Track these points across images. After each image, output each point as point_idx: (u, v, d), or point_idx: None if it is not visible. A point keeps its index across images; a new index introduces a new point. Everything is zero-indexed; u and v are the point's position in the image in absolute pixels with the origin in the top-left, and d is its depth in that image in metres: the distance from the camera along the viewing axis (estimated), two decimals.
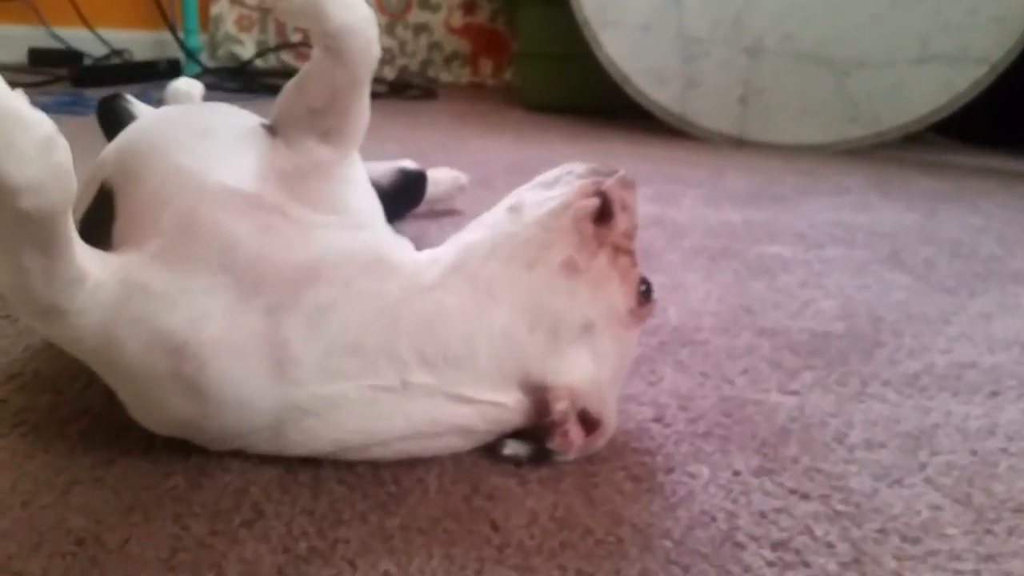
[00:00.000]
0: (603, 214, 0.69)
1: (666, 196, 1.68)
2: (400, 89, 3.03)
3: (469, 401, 0.65)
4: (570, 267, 0.67)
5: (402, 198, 1.31)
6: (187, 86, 1.40)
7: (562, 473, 0.67)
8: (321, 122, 0.69)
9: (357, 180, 0.72)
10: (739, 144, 2.39)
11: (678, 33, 2.41)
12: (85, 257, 0.59)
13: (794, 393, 0.84)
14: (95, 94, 2.53)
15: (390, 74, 3.43)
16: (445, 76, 3.54)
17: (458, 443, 0.68)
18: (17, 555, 0.56)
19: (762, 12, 2.34)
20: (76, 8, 3.23)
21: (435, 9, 3.46)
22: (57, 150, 0.53)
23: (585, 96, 2.79)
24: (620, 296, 0.69)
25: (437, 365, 0.64)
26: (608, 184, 0.71)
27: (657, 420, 0.76)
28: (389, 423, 0.65)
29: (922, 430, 0.78)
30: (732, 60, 2.38)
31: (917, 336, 1.00)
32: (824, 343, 0.96)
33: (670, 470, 0.69)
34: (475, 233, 0.71)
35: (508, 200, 0.74)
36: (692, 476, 0.68)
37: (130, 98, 1.15)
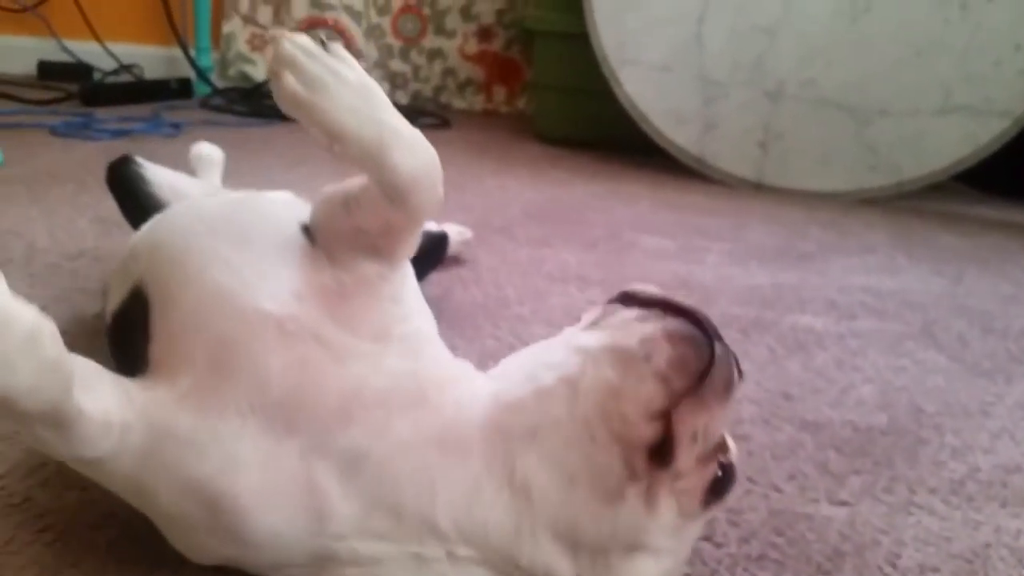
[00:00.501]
0: (663, 447, 0.57)
1: (690, 252, 1.66)
2: (414, 116, 3.00)
3: (527, 562, 0.61)
4: (617, 496, 0.58)
5: (425, 260, 1.29)
6: (209, 151, 1.38)
7: None
8: (370, 242, 0.64)
9: (407, 298, 0.68)
10: (757, 188, 2.38)
11: (699, 74, 2.40)
12: (108, 405, 0.56)
13: (844, 504, 0.81)
14: (106, 115, 2.53)
15: (403, 99, 3.42)
16: (458, 103, 3.53)
17: None
18: None
19: (784, 56, 2.32)
20: (87, 21, 3.21)
21: (450, 35, 3.45)
22: (43, 344, 0.49)
23: (600, 131, 2.78)
24: (683, 507, 0.60)
25: (481, 547, 0.60)
26: (680, 406, 0.56)
27: (707, 539, 0.74)
28: None
29: (975, 551, 0.76)
30: (752, 103, 2.37)
31: (958, 432, 0.98)
32: (868, 441, 0.94)
33: None
34: (520, 389, 0.62)
35: (562, 348, 0.63)
36: None
37: (140, 161, 1.12)
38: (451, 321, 1.20)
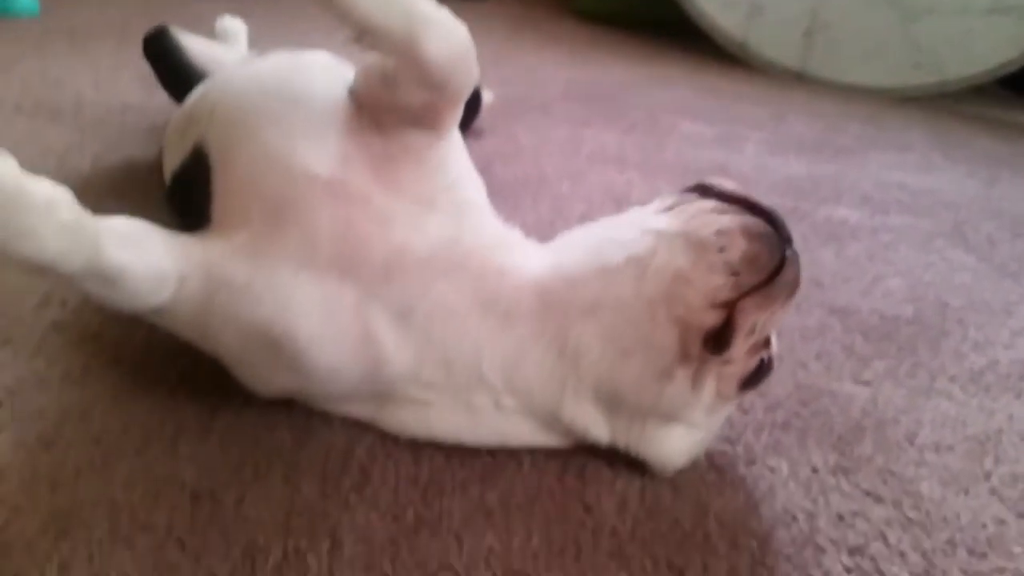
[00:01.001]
0: (722, 335, 0.60)
1: (729, 140, 1.66)
2: None
3: (564, 426, 0.66)
4: (666, 375, 0.62)
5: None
6: (232, 24, 1.43)
7: None
8: (413, 114, 0.65)
9: (453, 165, 0.69)
10: (799, 79, 2.35)
11: None
12: (158, 259, 0.61)
13: (867, 384, 0.86)
14: None
15: None
16: None
17: (547, 443, 0.69)
18: (140, 506, 0.60)
19: None
20: None
21: None
22: (60, 210, 0.54)
23: (641, 11, 2.73)
24: (721, 390, 0.64)
25: (526, 400, 0.65)
26: (745, 300, 0.59)
27: (736, 406, 0.79)
28: (482, 432, 0.67)
29: (987, 435, 0.80)
30: None
31: (981, 327, 1.01)
32: (894, 328, 0.98)
33: (751, 462, 0.72)
34: (584, 263, 0.65)
35: (631, 228, 0.65)
36: (772, 470, 0.71)
37: (176, 31, 1.14)
38: (491, 195, 1.21)
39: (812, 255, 1.16)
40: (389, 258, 0.62)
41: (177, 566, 0.55)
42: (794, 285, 0.60)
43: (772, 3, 2.33)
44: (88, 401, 0.69)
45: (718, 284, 0.59)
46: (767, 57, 2.38)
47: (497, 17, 2.71)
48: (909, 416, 0.81)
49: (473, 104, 1.32)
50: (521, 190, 1.26)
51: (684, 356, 0.61)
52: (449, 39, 0.61)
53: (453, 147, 0.69)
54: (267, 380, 0.65)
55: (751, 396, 0.81)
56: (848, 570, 0.62)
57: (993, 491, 0.73)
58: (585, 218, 1.18)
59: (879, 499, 0.69)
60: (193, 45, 1.13)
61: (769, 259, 0.59)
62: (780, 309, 0.61)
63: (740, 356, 0.62)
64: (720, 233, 0.59)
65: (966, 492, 0.72)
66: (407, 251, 0.63)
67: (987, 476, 0.74)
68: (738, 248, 0.58)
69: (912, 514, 0.68)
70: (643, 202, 1.24)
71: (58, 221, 0.54)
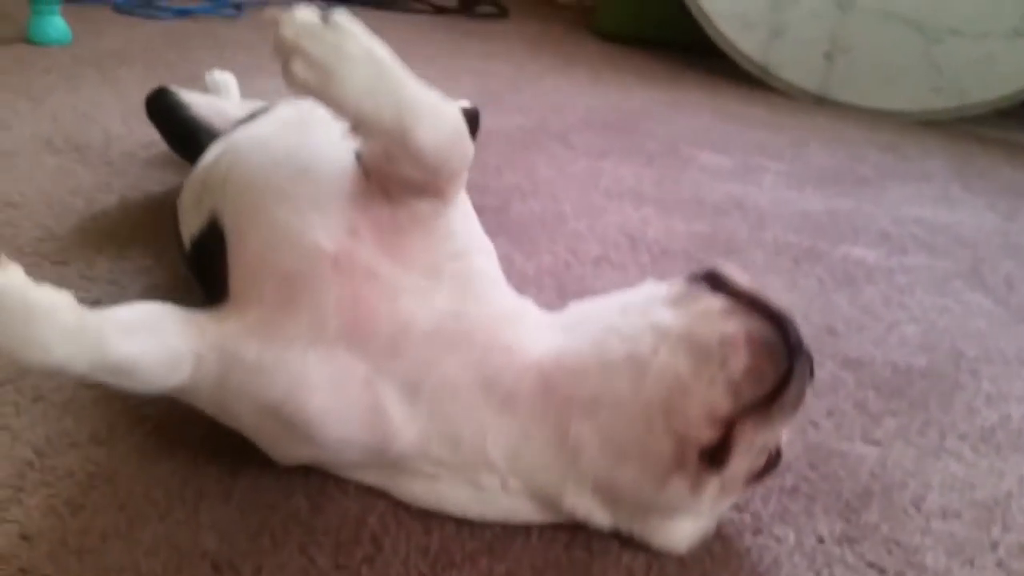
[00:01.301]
0: (719, 452, 0.59)
1: (747, 172, 1.67)
2: (471, 5, 2.97)
3: (566, 512, 0.67)
4: (663, 481, 0.62)
5: None
6: (222, 77, 1.46)
7: None
8: (417, 186, 0.66)
9: (461, 233, 0.69)
10: (819, 102, 2.34)
11: None
12: (177, 340, 0.63)
13: (876, 443, 0.86)
14: None
15: None
16: None
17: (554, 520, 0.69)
18: (162, 575, 0.62)
19: None
20: None
21: None
22: (61, 314, 0.56)
23: (662, 31, 2.73)
24: (726, 487, 0.63)
25: (529, 484, 0.66)
26: (744, 416, 0.58)
27: None
28: (489, 510, 0.68)
29: (996, 499, 0.81)
30: (822, 12, 2.31)
31: (995, 380, 1.02)
32: (906, 382, 0.98)
33: (757, 531, 0.73)
34: (586, 354, 0.65)
35: (637, 317, 0.65)
36: (778, 540, 0.72)
37: (175, 89, 1.17)
38: (509, 234, 1.24)
39: (827, 299, 1.16)
40: (396, 332, 0.64)
41: None
42: (798, 401, 0.59)
43: (793, 25, 2.34)
44: (115, 463, 0.71)
45: (717, 399, 0.58)
46: (787, 80, 2.38)
47: (517, 36, 2.72)
48: (917, 479, 0.82)
49: (474, 123, 1.31)
50: (538, 229, 1.28)
51: (680, 466, 0.60)
52: (440, 126, 0.61)
53: (461, 214, 0.70)
54: (284, 452, 0.68)
55: None
56: None
57: (1000, 563, 0.73)
58: (600, 260, 1.20)
59: (883, 571, 0.70)
60: (194, 100, 1.16)
61: (773, 374, 0.57)
62: (783, 425, 0.61)
63: (741, 470, 0.62)
64: (723, 343, 0.58)
65: (971, 563, 0.73)
66: (413, 325, 0.64)
67: (994, 546, 0.75)
68: (741, 361, 0.57)
69: None
70: (658, 241, 1.26)
71: (61, 326, 0.56)
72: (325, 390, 0.63)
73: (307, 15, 0.58)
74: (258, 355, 0.63)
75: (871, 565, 0.71)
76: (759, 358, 0.57)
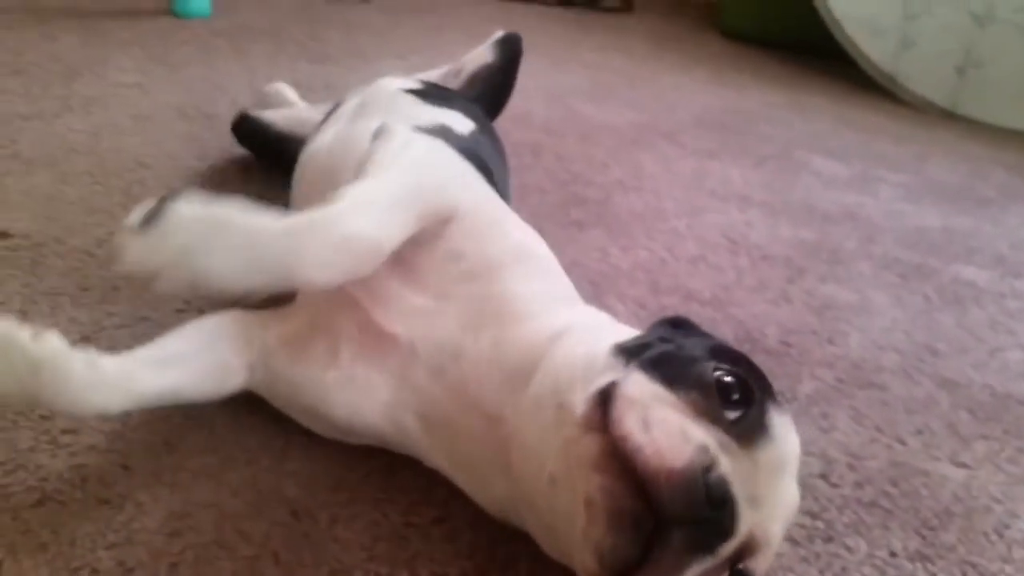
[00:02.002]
0: None
1: (864, 182, 1.63)
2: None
3: None
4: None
5: (509, 64, 1.27)
6: (280, 88, 1.48)
7: None
8: None
9: (471, 254, 0.68)
10: (947, 116, 2.26)
11: None
12: (228, 355, 0.70)
13: (964, 467, 0.84)
14: None
15: None
16: None
17: None
18: (243, 515, 0.66)
19: None
20: None
21: None
22: (43, 372, 0.58)
23: (790, 32, 2.68)
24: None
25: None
26: None
27: (824, 477, 0.79)
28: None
29: None
30: (956, 24, 2.23)
31: None
32: (1003, 408, 0.95)
33: (829, 539, 0.72)
34: (541, 412, 0.60)
35: (585, 370, 0.59)
36: (849, 550, 0.71)
37: (256, 113, 1.25)
38: (607, 227, 1.25)
39: (931, 318, 1.13)
40: (404, 353, 0.67)
41: None
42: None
43: (925, 36, 2.26)
44: (211, 411, 0.75)
45: (588, 559, 0.51)
46: (916, 92, 2.30)
47: (640, 32, 2.71)
48: (1003, 506, 0.79)
49: (516, 46, 1.28)
50: (637, 224, 1.28)
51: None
52: (322, 251, 0.58)
53: (471, 235, 0.69)
54: (322, 431, 0.74)
55: (841, 469, 0.81)
56: None
57: None
58: (697, 260, 1.19)
59: None
60: (274, 118, 1.24)
61: (627, 553, 0.50)
62: None
63: None
64: (589, 504, 0.51)
65: None
66: (417, 347, 0.67)
67: None
68: (599, 532, 0.50)
69: None
70: (759, 245, 1.25)
71: (87, 381, 0.60)
72: (346, 408, 0.69)
73: (131, 239, 0.53)
74: (288, 369, 0.70)
75: None
76: (615, 533, 0.50)
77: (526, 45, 1.28)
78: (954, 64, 2.24)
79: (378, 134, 0.73)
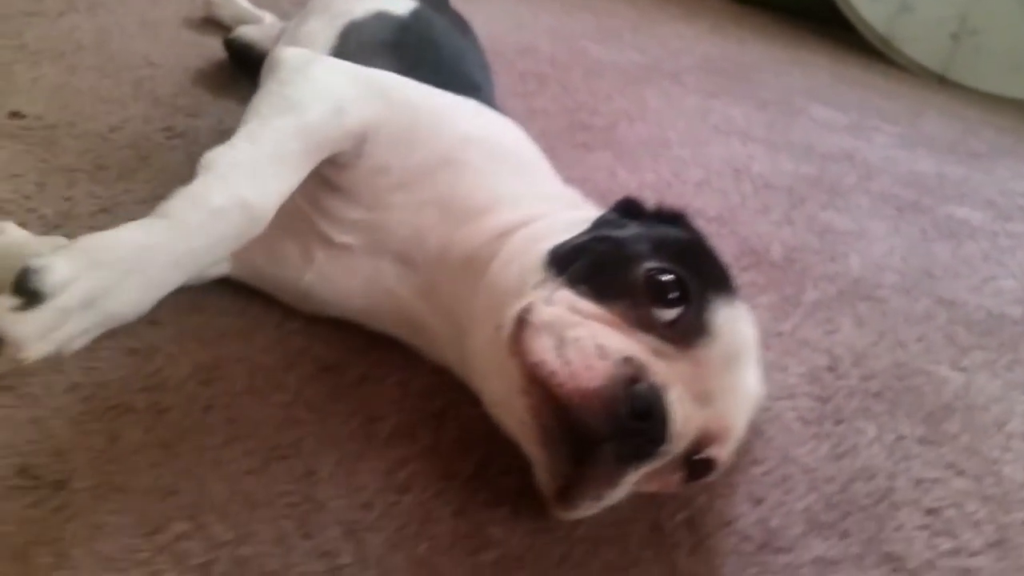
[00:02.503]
0: None
1: (860, 130, 1.65)
2: None
3: None
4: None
5: None
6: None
7: None
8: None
9: (397, 168, 0.68)
10: (939, 81, 2.29)
11: None
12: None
13: (963, 370, 0.87)
14: None
15: None
16: None
17: None
18: (274, 368, 0.67)
19: None
20: None
21: None
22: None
23: None
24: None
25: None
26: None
27: (831, 370, 0.81)
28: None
29: None
30: None
31: None
32: (998, 326, 0.98)
33: (839, 421, 0.75)
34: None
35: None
36: (859, 432, 0.74)
37: (236, 34, 1.24)
38: (614, 151, 1.26)
39: (928, 247, 1.16)
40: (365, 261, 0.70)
41: (304, 423, 0.62)
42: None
43: (922, 2, 2.28)
44: None
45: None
46: (910, 56, 2.32)
47: None
48: (1001, 405, 0.82)
49: None
50: (642, 150, 1.29)
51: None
52: (209, 247, 0.56)
53: (392, 146, 0.68)
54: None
55: (846, 365, 0.83)
56: (921, 527, 0.65)
57: None
58: (702, 184, 1.21)
59: (960, 472, 0.72)
60: (257, 36, 1.23)
61: (560, 472, 0.53)
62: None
63: None
64: (522, 422, 0.54)
65: None
66: (375, 259, 0.69)
67: None
68: (535, 448, 0.54)
69: (992, 491, 0.70)
70: (762, 175, 1.27)
71: None
72: (327, 302, 0.71)
73: (19, 323, 0.47)
74: (267, 268, 0.72)
75: (950, 466, 0.72)
76: (547, 451, 0.53)
77: None
78: (949, 31, 2.27)
79: (268, 66, 0.70)
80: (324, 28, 0.88)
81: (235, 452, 0.58)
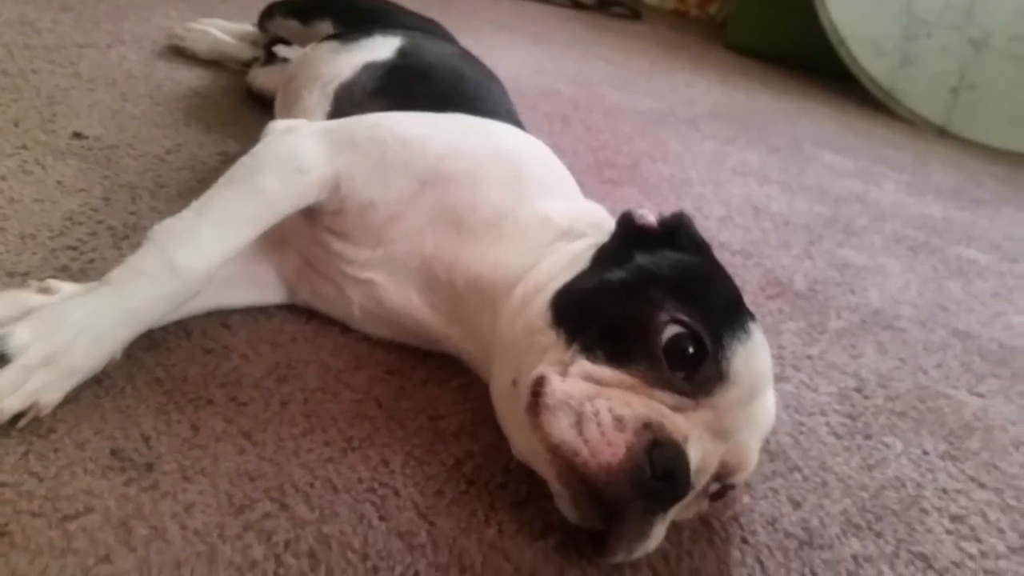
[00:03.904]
0: None
1: (869, 176, 1.72)
2: (607, 4, 3.07)
3: None
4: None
5: None
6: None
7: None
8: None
9: (382, 203, 0.71)
10: (940, 134, 2.37)
11: (906, 8, 2.38)
12: (269, 279, 0.79)
13: (980, 396, 0.91)
14: None
15: None
16: None
17: None
18: (343, 370, 0.71)
19: (997, 8, 2.29)
20: None
21: None
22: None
23: (795, 49, 2.79)
24: None
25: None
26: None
27: (858, 391, 0.86)
28: None
29: None
30: (954, 48, 2.34)
31: None
32: (1011, 356, 1.03)
33: (868, 436, 0.79)
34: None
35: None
36: (886, 446, 0.78)
37: (252, 85, 1.30)
38: (640, 186, 1.32)
39: (940, 284, 1.21)
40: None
41: (374, 419, 0.66)
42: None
43: (923, 57, 2.37)
44: None
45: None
46: (912, 108, 2.41)
47: (651, 38, 2.81)
48: (1018, 427, 0.87)
49: None
50: (666, 186, 1.35)
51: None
52: (152, 302, 0.63)
53: (369, 183, 0.71)
54: None
55: (872, 386, 0.88)
56: (948, 532, 0.68)
57: None
58: (725, 219, 1.27)
59: (982, 485, 0.76)
60: (266, 82, 1.29)
61: (591, 527, 0.56)
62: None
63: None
64: (551, 483, 0.57)
65: None
66: (401, 290, 0.73)
67: None
68: (565, 504, 0.56)
69: (1013, 502, 0.74)
70: (780, 213, 1.33)
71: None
72: (380, 332, 0.76)
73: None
74: (314, 302, 0.78)
75: (972, 479, 0.76)
76: (578, 512, 0.55)
77: (548, 38, 1.36)
78: (949, 85, 2.36)
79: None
80: (318, 99, 0.92)
81: (314, 442, 0.62)
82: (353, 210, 0.71)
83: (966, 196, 1.76)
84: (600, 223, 0.73)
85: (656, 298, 0.59)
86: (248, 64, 1.41)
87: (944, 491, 0.73)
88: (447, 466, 0.63)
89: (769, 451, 0.73)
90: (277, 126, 0.76)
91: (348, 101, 0.90)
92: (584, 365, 0.57)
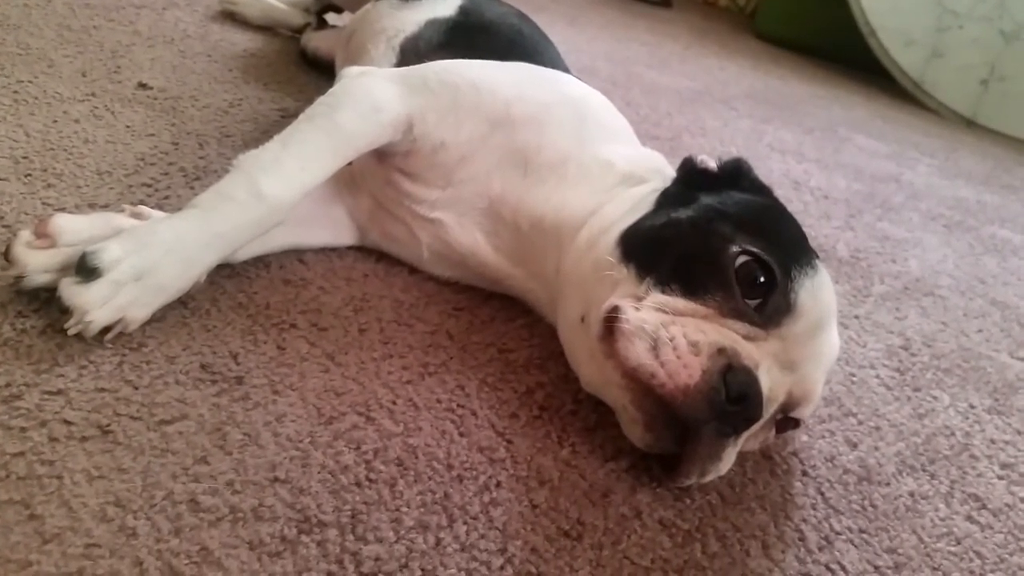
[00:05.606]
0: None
1: (902, 159, 1.74)
2: None
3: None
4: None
5: None
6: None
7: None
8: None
9: (453, 144, 0.73)
10: (968, 125, 2.38)
11: (938, 1, 2.39)
12: (343, 222, 0.82)
13: (1022, 360, 0.94)
14: None
15: None
16: None
17: None
18: (415, 304, 0.74)
19: None
20: None
21: None
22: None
23: (823, 39, 2.80)
24: None
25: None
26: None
27: (904, 348, 0.88)
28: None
29: None
30: (985, 40, 2.35)
31: None
32: None
33: (916, 389, 0.81)
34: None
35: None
36: (934, 398, 0.80)
37: (307, 48, 1.33)
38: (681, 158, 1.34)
39: (976, 258, 1.24)
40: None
41: (447, 348, 0.69)
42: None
43: (953, 49, 2.38)
44: None
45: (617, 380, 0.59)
46: (940, 99, 2.42)
47: (682, 24, 2.83)
48: None
49: None
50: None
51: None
52: (237, 231, 0.65)
53: (440, 123, 0.73)
54: None
55: (918, 345, 0.90)
56: (1000, 477, 0.71)
57: None
58: None
59: None
60: (320, 44, 1.32)
61: (663, 450, 0.59)
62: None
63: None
64: (624, 408, 0.59)
65: None
66: (467, 231, 0.76)
67: None
68: (637, 429, 0.58)
69: None
70: (820, 188, 1.35)
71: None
72: (446, 273, 0.79)
73: (81, 295, 0.58)
74: (385, 244, 0.81)
75: (1020, 432, 0.78)
76: (651, 435, 0.58)
77: (583, 20, 1.38)
78: (979, 76, 2.37)
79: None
80: (384, 50, 0.96)
81: (393, 366, 0.65)
82: (424, 151, 0.74)
83: (995, 182, 1.78)
84: (660, 169, 0.76)
85: (726, 232, 0.61)
86: (299, 31, 1.43)
87: (992, 441, 0.76)
88: (519, 393, 0.66)
89: (824, 398, 0.75)
90: (352, 71, 0.79)
91: (414, 53, 0.93)
92: (658, 297, 0.59)
